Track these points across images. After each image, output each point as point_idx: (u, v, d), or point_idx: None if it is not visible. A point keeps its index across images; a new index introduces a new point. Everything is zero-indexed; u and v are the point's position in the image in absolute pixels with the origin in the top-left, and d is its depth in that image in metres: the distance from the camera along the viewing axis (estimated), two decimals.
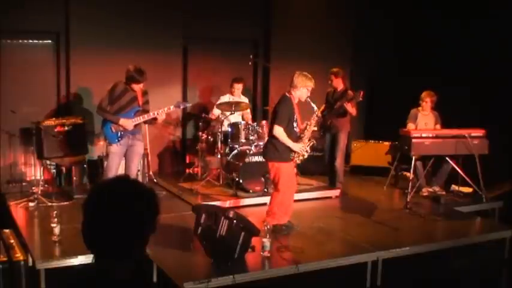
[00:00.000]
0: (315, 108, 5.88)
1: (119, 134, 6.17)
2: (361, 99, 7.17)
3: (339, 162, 7.49)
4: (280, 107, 5.58)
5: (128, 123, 6.14)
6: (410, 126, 7.45)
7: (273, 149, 5.60)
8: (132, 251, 1.69)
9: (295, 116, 5.63)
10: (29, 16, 7.19)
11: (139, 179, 7.29)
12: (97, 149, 7.79)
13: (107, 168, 6.36)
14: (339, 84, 7.48)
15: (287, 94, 5.66)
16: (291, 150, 5.59)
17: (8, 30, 7.19)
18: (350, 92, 7.37)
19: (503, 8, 7.43)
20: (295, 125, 5.64)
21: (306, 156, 5.76)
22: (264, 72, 9.20)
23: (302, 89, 5.59)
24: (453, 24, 8.07)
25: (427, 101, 7.39)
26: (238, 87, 7.79)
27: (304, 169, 7.87)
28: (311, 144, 5.80)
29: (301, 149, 5.63)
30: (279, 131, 5.49)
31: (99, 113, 6.24)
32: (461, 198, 7.26)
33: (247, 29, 8.94)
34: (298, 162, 5.79)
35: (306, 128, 5.76)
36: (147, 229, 1.70)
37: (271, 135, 5.64)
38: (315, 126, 6.02)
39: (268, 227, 5.08)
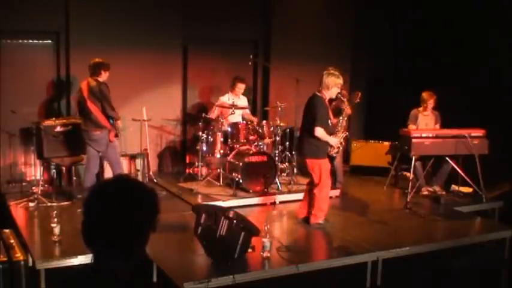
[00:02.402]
0: (346, 102, 6.23)
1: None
2: (358, 100, 7.10)
3: (338, 161, 7.51)
4: (318, 109, 5.76)
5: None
6: (411, 127, 7.46)
7: (314, 148, 5.83)
8: (132, 251, 1.69)
9: (329, 114, 5.93)
10: (29, 16, 7.18)
11: (139, 179, 7.31)
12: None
13: (116, 160, 6.62)
14: None
15: (318, 94, 5.83)
16: (328, 145, 5.86)
17: (8, 30, 7.18)
18: (344, 92, 7.34)
19: (503, 8, 7.42)
20: (329, 121, 5.92)
21: (340, 148, 6.14)
22: (264, 72, 9.20)
23: (334, 88, 5.81)
24: (453, 24, 8.06)
25: (430, 103, 7.37)
26: (242, 87, 7.79)
27: (304, 169, 7.87)
28: (344, 136, 6.13)
29: (337, 142, 5.95)
30: (321, 132, 5.73)
31: (113, 114, 6.46)
32: (461, 198, 7.26)
33: (247, 29, 8.94)
34: (334, 155, 6.09)
35: (339, 122, 6.09)
36: (147, 229, 1.69)
37: (309, 135, 5.79)
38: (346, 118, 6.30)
39: (268, 227, 5.07)
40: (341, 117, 6.11)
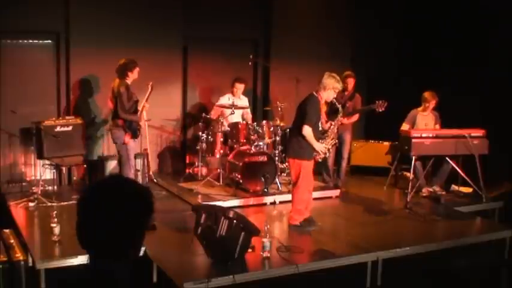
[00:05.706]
0: (340, 109, 6.11)
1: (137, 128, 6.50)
2: (381, 109, 7.17)
3: (346, 162, 7.63)
4: (309, 107, 5.70)
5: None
6: (405, 126, 7.47)
7: (298, 147, 5.76)
8: (127, 250, 1.68)
9: (320, 116, 5.81)
10: (29, 16, 7.18)
11: (140, 179, 7.31)
12: (96, 149, 7.80)
13: (125, 162, 6.39)
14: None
15: (315, 94, 5.78)
16: (313, 150, 5.75)
17: (8, 30, 7.18)
18: (357, 96, 7.61)
19: (503, 8, 7.42)
20: (319, 124, 5.80)
21: (327, 155, 5.98)
22: (264, 72, 9.20)
23: (330, 91, 5.73)
24: (453, 24, 8.06)
25: (432, 103, 7.36)
26: (240, 87, 7.80)
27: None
28: (333, 143, 6.01)
29: (323, 148, 5.82)
30: (307, 131, 5.64)
31: (125, 116, 6.28)
32: (461, 198, 7.26)
33: (247, 29, 8.94)
34: (320, 160, 5.97)
35: (330, 127, 5.98)
36: (141, 228, 1.69)
37: (297, 134, 5.73)
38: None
39: (268, 227, 5.07)
40: (331, 123, 6.01)
